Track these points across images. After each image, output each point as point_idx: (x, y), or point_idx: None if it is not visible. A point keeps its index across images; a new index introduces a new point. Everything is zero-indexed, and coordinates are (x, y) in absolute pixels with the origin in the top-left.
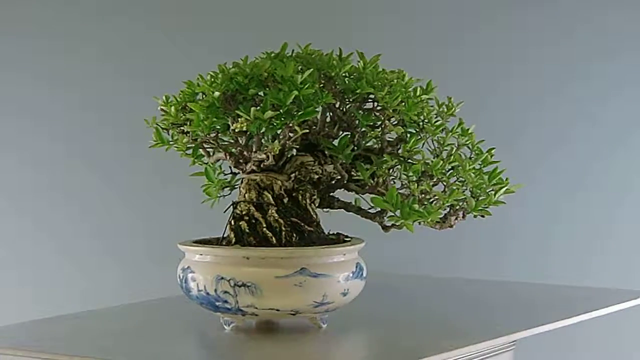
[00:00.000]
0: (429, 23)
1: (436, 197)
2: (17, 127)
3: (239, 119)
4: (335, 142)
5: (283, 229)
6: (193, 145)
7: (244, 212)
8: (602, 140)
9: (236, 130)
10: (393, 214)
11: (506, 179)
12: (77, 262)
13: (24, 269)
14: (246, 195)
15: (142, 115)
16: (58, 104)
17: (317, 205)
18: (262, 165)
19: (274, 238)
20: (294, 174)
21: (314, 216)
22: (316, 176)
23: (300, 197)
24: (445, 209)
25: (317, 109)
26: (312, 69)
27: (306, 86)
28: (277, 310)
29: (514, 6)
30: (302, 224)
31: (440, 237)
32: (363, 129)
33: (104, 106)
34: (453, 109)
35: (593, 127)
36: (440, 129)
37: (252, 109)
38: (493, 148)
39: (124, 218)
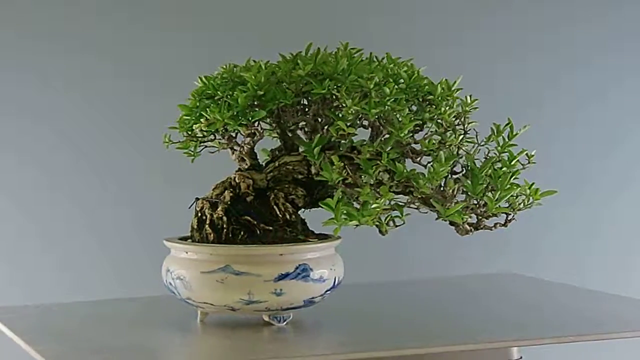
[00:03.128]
0: (429, 23)
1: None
2: (17, 127)
3: (201, 120)
4: None
5: (225, 226)
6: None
7: (198, 209)
8: (601, 139)
9: (197, 130)
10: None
11: (531, 184)
12: (77, 263)
13: (24, 269)
14: (211, 193)
15: (142, 115)
16: (58, 104)
17: (301, 205)
18: (249, 164)
19: (212, 235)
20: (272, 173)
21: (281, 215)
22: (300, 176)
23: (273, 196)
24: (381, 212)
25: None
26: (266, 71)
27: (264, 87)
28: (212, 304)
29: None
30: (256, 223)
31: (441, 237)
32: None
33: (103, 106)
34: (444, 111)
35: (591, 125)
36: (406, 130)
37: (210, 109)
38: (523, 151)
39: (125, 218)
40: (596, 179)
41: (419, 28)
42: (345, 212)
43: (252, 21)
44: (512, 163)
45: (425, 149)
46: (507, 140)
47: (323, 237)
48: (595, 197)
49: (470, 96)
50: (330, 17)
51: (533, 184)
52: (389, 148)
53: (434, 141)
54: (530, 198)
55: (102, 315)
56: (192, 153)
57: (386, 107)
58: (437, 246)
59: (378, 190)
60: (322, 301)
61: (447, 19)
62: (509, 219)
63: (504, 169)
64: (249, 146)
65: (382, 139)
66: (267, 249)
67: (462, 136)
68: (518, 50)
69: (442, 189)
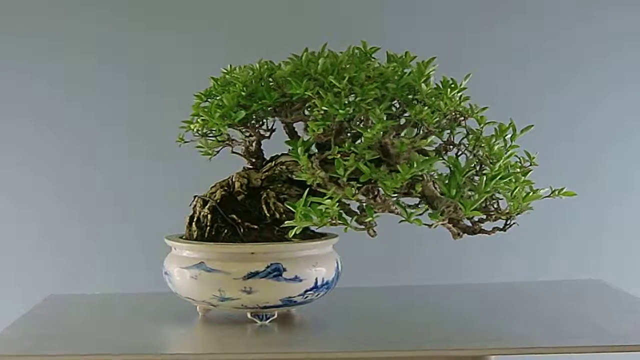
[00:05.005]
0: (429, 23)
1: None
2: (17, 127)
3: (198, 119)
4: None
5: (209, 224)
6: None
7: (192, 206)
8: (602, 139)
9: (195, 130)
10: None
11: (515, 188)
12: (76, 263)
13: (23, 269)
14: (208, 191)
15: (143, 114)
16: (58, 104)
17: None
18: (251, 162)
19: (196, 232)
20: (266, 172)
21: (270, 215)
22: (294, 175)
23: (265, 195)
24: (334, 215)
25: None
26: (259, 70)
27: (251, 87)
28: (193, 299)
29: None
30: (240, 222)
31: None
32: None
33: (103, 106)
34: (420, 110)
35: (592, 125)
36: (375, 131)
37: (202, 109)
38: (511, 154)
39: (125, 218)
40: (598, 180)
41: (420, 29)
42: (303, 212)
43: (257, 22)
44: (497, 167)
45: (398, 151)
46: (494, 142)
47: (320, 237)
48: (598, 198)
49: (460, 97)
50: (331, 17)
51: (517, 187)
52: (364, 148)
53: (405, 142)
54: (519, 203)
55: (124, 308)
56: (210, 152)
57: (360, 107)
58: (440, 250)
59: (343, 190)
60: (323, 300)
61: (447, 20)
62: (509, 223)
63: (486, 171)
64: (248, 145)
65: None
66: (238, 247)
67: (467, 136)
68: (518, 50)
69: (410, 191)
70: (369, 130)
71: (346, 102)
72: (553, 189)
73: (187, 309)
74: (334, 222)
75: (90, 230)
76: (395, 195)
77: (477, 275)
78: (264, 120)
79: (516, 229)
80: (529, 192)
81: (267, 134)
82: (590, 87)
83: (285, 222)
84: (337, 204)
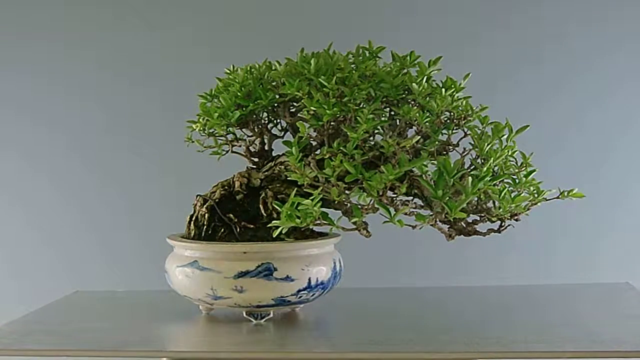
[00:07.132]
0: (429, 24)
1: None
2: (17, 126)
3: (200, 120)
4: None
5: (206, 223)
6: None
7: (193, 205)
8: (600, 139)
9: (198, 130)
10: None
11: (503, 189)
12: (77, 263)
13: (24, 269)
14: (210, 190)
15: (142, 114)
16: (58, 105)
17: None
18: (254, 163)
19: (194, 231)
20: (266, 172)
21: (267, 214)
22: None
23: (263, 194)
24: (317, 216)
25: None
26: (260, 71)
27: (248, 87)
28: (190, 297)
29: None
30: (237, 221)
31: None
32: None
33: (104, 106)
34: (407, 110)
35: (592, 127)
36: (361, 132)
37: (203, 110)
38: (502, 154)
39: (124, 218)
40: (598, 180)
41: (420, 30)
42: (288, 213)
43: (262, 23)
44: (485, 168)
45: (384, 152)
46: (488, 142)
47: (317, 237)
48: (598, 199)
49: (453, 96)
50: (330, 18)
51: (505, 188)
52: (353, 149)
53: (390, 142)
54: (508, 204)
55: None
56: (219, 152)
57: (349, 107)
58: (440, 250)
59: (328, 190)
60: (325, 300)
61: (447, 21)
62: (504, 225)
63: (473, 172)
64: (248, 145)
65: (342, 139)
66: (230, 246)
67: (465, 136)
68: (518, 50)
69: (394, 192)
70: (354, 130)
71: (335, 102)
72: (562, 191)
73: (190, 307)
74: (318, 222)
75: (90, 230)
76: (395, 195)
77: (479, 276)
78: (278, 121)
79: (519, 230)
80: (535, 194)
81: (281, 133)
82: (589, 89)
83: (272, 222)
84: (320, 203)
